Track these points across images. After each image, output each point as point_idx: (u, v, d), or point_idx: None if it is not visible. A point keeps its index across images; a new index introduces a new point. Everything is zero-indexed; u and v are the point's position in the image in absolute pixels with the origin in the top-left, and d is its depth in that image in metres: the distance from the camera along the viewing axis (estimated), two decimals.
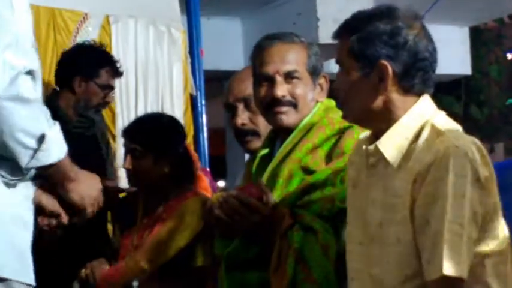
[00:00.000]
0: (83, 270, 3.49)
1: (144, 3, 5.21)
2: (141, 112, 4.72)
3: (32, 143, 2.16)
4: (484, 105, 9.99)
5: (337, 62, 2.36)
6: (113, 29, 4.97)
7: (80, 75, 4.02)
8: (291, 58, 2.78)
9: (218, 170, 6.82)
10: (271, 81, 2.77)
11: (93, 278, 3.46)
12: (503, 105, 10.66)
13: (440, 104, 8.09)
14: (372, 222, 2.29)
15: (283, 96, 2.75)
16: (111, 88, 4.22)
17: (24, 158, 2.17)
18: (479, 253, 2.20)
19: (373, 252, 2.29)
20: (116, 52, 4.82)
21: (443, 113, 2.32)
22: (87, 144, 4.08)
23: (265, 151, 2.91)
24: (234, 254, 2.75)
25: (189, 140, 5.09)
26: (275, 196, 2.69)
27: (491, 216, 2.22)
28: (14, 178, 2.20)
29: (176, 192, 3.51)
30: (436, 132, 2.22)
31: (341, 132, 2.68)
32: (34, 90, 2.16)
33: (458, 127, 2.29)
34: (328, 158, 2.68)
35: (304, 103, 2.76)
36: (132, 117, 4.40)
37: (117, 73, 4.25)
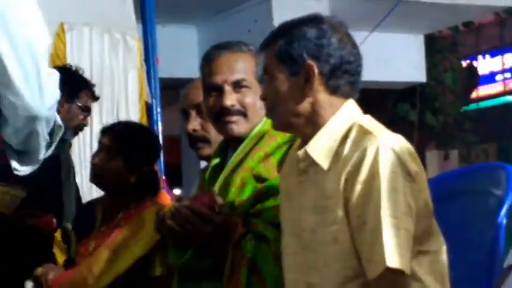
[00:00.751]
0: (39, 269, 3.48)
1: (99, 11, 5.21)
2: (96, 120, 4.72)
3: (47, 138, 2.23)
4: (439, 112, 10.04)
5: (264, 70, 2.40)
6: (67, 37, 4.97)
7: (63, 96, 4.03)
8: (239, 67, 2.77)
9: (174, 178, 6.82)
10: (219, 91, 2.76)
11: (45, 279, 3.46)
12: (458, 113, 10.75)
13: (396, 112, 8.16)
14: (306, 228, 2.31)
15: (232, 106, 2.74)
16: (89, 111, 4.25)
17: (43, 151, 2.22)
18: (415, 251, 2.22)
19: (308, 259, 2.31)
20: (70, 60, 4.82)
21: (369, 116, 2.36)
22: (58, 166, 4.10)
23: (217, 160, 2.91)
24: (187, 264, 2.75)
25: None
26: (228, 205, 2.68)
27: (425, 214, 2.25)
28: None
29: (137, 201, 3.52)
30: (363, 132, 2.25)
31: (292, 140, 2.64)
32: None
33: (384, 128, 2.32)
34: (280, 165, 2.65)
35: (254, 112, 2.75)
36: (87, 125, 4.41)
37: (94, 96, 4.27)
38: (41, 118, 2.13)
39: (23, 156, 2.22)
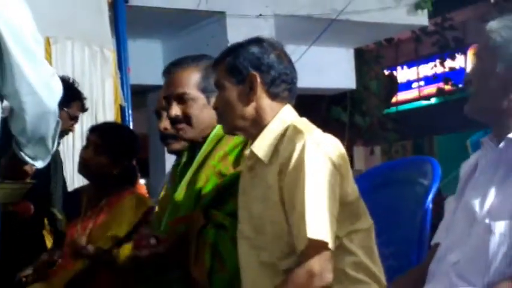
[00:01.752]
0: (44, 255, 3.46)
1: (80, 27, 5.16)
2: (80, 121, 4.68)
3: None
4: (366, 114, 10.10)
5: (215, 84, 2.44)
6: (53, 49, 4.93)
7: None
8: (183, 82, 2.74)
9: (142, 170, 6.77)
10: (168, 103, 2.76)
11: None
12: (381, 115, 10.84)
13: (330, 114, 8.18)
14: (255, 215, 2.34)
15: (177, 116, 2.73)
16: (77, 120, 4.18)
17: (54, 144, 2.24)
18: (348, 230, 2.26)
19: (259, 241, 2.33)
20: (55, 69, 4.75)
21: (304, 118, 2.40)
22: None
23: (186, 158, 2.90)
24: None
25: None
26: (193, 197, 2.70)
27: (351, 198, 2.28)
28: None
29: (118, 190, 3.51)
30: (296, 131, 2.28)
31: (247, 142, 2.65)
32: None
33: (314, 127, 2.34)
34: (236, 163, 2.67)
35: (197, 120, 2.73)
36: (73, 131, 4.38)
37: (83, 108, 4.21)
38: (51, 110, 2.12)
39: (36, 149, 2.20)
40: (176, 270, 2.66)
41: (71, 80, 4.19)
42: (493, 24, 2.06)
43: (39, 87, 2.03)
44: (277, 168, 2.27)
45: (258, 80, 2.36)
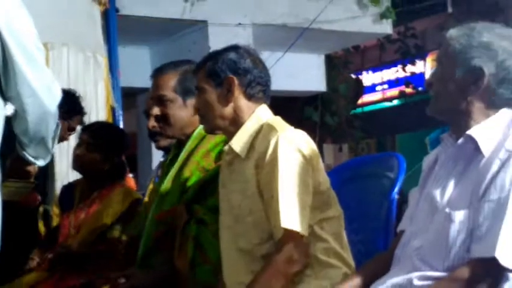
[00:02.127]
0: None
1: (75, 34, 5.14)
2: None
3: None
4: (335, 114, 10.11)
5: (197, 88, 2.45)
6: (50, 54, 4.89)
7: (61, 111, 3.92)
8: (162, 86, 2.76)
9: (131, 165, 6.76)
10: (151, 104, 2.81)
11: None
12: (348, 115, 10.87)
13: (303, 114, 8.17)
14: (235, 206, 2.35)
15: (157, 115, 2.76)
16: (74, 131, 4.13)
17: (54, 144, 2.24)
18: (319, 218, 2.27)
19: (237, 229, 2.34)
20: (52, 72, 4.74)
21: (278, 117, 2.41)
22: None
23: (172, 154, 2.91)
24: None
25: None
26: (178, 191, 2.72)
27: (322, 189, 2.29)
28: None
29: (108, 184, 3.51)
30: (270, 129, 2.30)
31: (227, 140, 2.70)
32: None
33: (287, 125, 2.36)
34: (218, 159, 2.68)
35: (174, 119, 2.75)
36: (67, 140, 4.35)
37: (82, 122, 4.16)
38: (51, 112, 2.12)
39: (37, 149, 2.19)
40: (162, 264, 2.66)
41: (76, 94, 4.14)
42: (452, 32, 2.07)
43: (40, 91, 2.03)
44: (254, 163, 2.29)
45: (236, 82, 2.38)
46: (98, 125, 3.71)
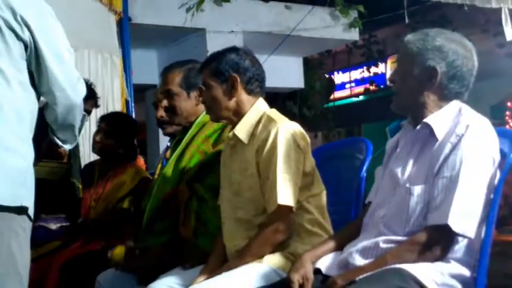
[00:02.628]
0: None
1: (95, 39, 5.10)
2: (93, 111, 4.62)
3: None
4: (311, 107, 10.09)
5: (203, 84, 2.43)
6: (75, 56, 4.85)
7: None
8: (169, 81, 2.76)
9: (141, 149, 6.76)
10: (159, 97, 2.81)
11: None
12: (322, 108, 10.88)
13: (285, 106, 8.11)
14: (235, 182, 2.35)
15: (165, 106, 2.76)
16: (89, 113, 4.10)
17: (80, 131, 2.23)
18: (306, 195, 2.28)
19: (236, 202, 2.34)
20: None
21: (274, 110, 2.41)
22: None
23: (177, 138, 2.88)
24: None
25: None
26: (179, 171, 2.68)
27: (310, 171, 2.30)
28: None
29: (122, 163, 3.50)
30: (269, 120, 2.30)
31: (224, 128, 2.68)
32: None
33: (284, 117, 2.36)
34: (215, 144, 2.67)
35: (181, 109, 2.73)
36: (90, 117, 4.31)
37: (96, 105, 4.15)
38: (77, 105, 2.10)
39: (66, 134, 2.18)
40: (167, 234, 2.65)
41: (89, 83, 4.13)
42: (410, 37, 2.06)
43: (68, 87, 2.02)
44: (255, 148, 2.27)
45: (238, 80, 2.35)
46: (113, 115, 3.69)
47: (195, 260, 2.47)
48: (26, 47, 1.94)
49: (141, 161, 4.24)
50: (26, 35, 1.93)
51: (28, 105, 1.97)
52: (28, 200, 1.90)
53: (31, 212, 1.92)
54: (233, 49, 2.42)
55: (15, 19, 1.91)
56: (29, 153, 1.95)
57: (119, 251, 2.86)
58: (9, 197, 1.83)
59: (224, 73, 2.36)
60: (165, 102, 2.75)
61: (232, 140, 2.39)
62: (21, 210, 1.87)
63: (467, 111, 1.98)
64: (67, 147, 2.23)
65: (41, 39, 1.95)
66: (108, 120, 3.52)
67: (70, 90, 2.01)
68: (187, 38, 7.30)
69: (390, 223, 1.98)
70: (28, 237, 1.92)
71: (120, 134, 3.47)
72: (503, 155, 1.96)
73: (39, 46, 1.95)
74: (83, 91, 2.09)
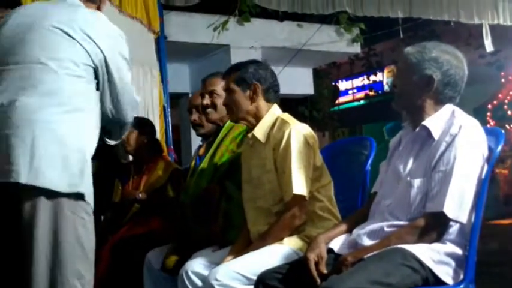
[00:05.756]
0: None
1: (137, 55, 4.99)
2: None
3: None
4: (319, 111, 10.09)
5: (226, 89, 2.42)
6: None
7: None
8: (213, 84, 2.77)
9: (176, 147, 6.78)
10: (202, 97, 2.80)
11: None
12: (329, 111, 10.85)
13: (297, 110, 8.03)
14: (254, 176, 2.34)
15: (207, 104, 2.77)
16: None
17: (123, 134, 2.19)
18: (317, 186, 2.28)
19: (256, 193, 2.33)
20: None
21: (287, 114, 2.39)
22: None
23: (210, 139, 2.89)
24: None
25: (162, 132, 5.05)
26: (213, 167, 2.67)
27: (319, 166, 2.29)
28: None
29: (151, 159, 3.50)
30: (283, 122, 2.29)
31: (247, 130, 2.67)
32: None
33: (295, 120, 2.34)
34: (240, 144, 2.66)
35: (220, 107, 2.73)
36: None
37: None
38: (128, 124, 2.10)
39: (112, 135, 2.18)
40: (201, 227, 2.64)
41: None
42: (409, 49, 2.04)
43: (125, 103, 2.01)
44: (272, 146, 2.27)
45: (259, 88, 2.34)
46: (142, 120, 3.66)
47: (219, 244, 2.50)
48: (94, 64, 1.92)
49: (166, 156, 4.17)
50: (98, 56, 1.92)
51: (94, 104, 1.94)
52: (84, 188, 1.82)
53: (90, 199, 1.85)
54: (254, 61, 2.42)
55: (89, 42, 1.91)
56: (88, 146, 1.88)
57: (172, 259, 2.78)
58: (66, 185, 1.77)
59: (247, 81, 2.35)
60: (208, 100, 2.76)
61: (251, 140, 2.38)
62: (78, 197, 1.80)
63: (459, 113, 1.96)
64: (112, 142, 2.21)
65: (111, 62, 1.94)
66: (139, 125, 3.52)
67: (126, 105, 2.02)
68: (214, 53, 7.30)
69: (395, 211, 1.96)
70: (92, 221, 1.85)
71: (147, 131, 3.51)
72: (490, 150, 1.94)
73: (109, 68, 1.94)
74: (133, 112, 2.09)
